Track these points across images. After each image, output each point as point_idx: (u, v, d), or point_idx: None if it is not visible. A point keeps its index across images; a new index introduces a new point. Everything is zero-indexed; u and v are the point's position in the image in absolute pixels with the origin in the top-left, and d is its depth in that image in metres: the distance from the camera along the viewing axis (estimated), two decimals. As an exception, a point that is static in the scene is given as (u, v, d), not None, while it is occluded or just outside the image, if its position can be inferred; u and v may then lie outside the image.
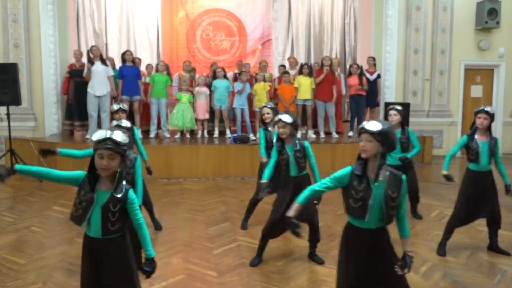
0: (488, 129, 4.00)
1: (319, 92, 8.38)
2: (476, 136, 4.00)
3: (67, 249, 4.23)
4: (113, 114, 4.51)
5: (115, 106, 4.55)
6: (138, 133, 8.27)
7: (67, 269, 3.76)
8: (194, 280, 3.60)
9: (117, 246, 2.38)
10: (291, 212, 2.50)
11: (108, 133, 2.26)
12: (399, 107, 4.94)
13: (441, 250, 4.17)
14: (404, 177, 2.45)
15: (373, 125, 2.36)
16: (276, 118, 3.79)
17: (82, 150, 3.69)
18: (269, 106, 4.69)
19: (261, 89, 8.22)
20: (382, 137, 2.33)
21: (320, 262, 3.92)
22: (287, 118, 3.67)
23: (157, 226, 4.75)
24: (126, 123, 3.74)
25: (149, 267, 2.45)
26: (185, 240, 4.52)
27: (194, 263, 3.93)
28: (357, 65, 8.71)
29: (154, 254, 2.48)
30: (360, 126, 2.42)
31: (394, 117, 4.88)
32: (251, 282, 3.56)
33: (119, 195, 2.31)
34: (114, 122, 3.71)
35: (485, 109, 3.96)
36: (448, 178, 3.95)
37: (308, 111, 8.42)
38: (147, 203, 4.45)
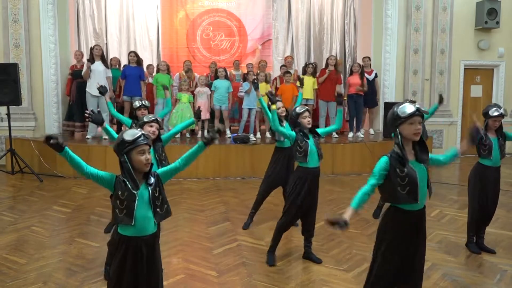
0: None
1: (322, 92, 8.39)
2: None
3: (67, 249, 4.23)
4: (135, 111, 4.56)
5: (137, 103, 4.59)
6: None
7: (67, 269, 3.77)
8: (194, 280, 3.61)
9: (158, 239, 2.54)
10: (347, 215, 2.42)
11: (139, 130, 2.42)
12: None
13: (473, 247, 4.22)
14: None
15: (423, 108, 2.50)
16: (303, 108, 3.94)
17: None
18: (280, 100, 4.92)
19: (263, 90, 8.21)
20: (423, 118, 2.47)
21: (318, 261, 3.92)
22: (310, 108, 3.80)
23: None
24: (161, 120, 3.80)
25: (217, 129, 2.58)
26: (185, 240, 4.52)
27: (194, 263, 3.93)
28: (359, 64, 8.72)
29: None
30: (413, 109, 2.42)
31: None
32: (251, 282, 3.57)
33: (153, 182, 2.42)
34: (145, 119, 3.68)
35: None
36: None
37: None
38: None
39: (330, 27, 11.58)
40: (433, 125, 9.22)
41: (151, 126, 3.59)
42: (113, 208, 2.39)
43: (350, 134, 8.66)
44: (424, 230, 2.60)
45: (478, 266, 3.91)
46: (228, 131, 8.36)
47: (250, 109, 8.16)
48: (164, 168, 2.54)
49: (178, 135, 8.27)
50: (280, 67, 9.52)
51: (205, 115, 8.26)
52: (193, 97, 8.22)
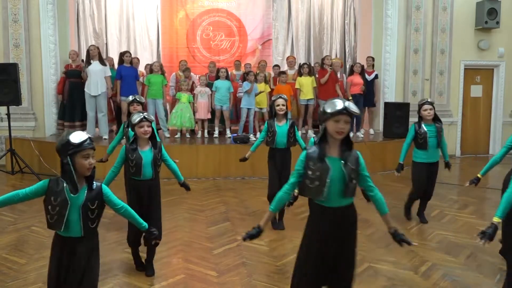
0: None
1: (323, 92, 8.38)
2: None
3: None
4: (128, 106, 4.54)
5: (130, 97, 4.56)
6: (166, 134, 8.29)
7: (67, 269, 3.76)
8: (194, 280, 3.60)
9: (94, 244, 2.47)
10: (262, 221, 2.48)
11: (86, 134, 2.38)
12: (432, 101, 4.83)
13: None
14: (358, 152, 2.45)
15: (354, 107, 2.35)
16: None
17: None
18: (284, 97, 4.66)
19: (262, 90, 8.22)
20: (353, 118, 2.36)
21: None
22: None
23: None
24: (149, 116, 3.51)
25: (154, 235, 2.67)
26: (185, 240, 4.52)
27: (194, 263, 3.93)
28: (360, 64, 8.72)
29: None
30: (341, 107, 2.30)
31: (431, 111, 4.73)
32: (251, 282, 3.57)
33: (95, 192, 2.39)
34: (132, 120, 3.47)
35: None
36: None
37: (310, 110, 8.42)
38: None
39: (330, 27, 11.58)
40: (433, 125, 9.22)
41: (141, 126, 3.44)
42: (45, 212, 2.38)
43: (350, 134, 8.64)
44: (349, 231, 2.46)
45: (478, 266, 3.90)
46: (228, 131, 8.36)
47: (248, 109, 8.17)
48: (112, 195, 2.49)
49: (178, 135, 8.27)
50: (273, 67, 9.49)
51: (205, 115, 8.27)
52: (193, 97, 8.21)
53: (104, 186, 2.45)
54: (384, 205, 2.49)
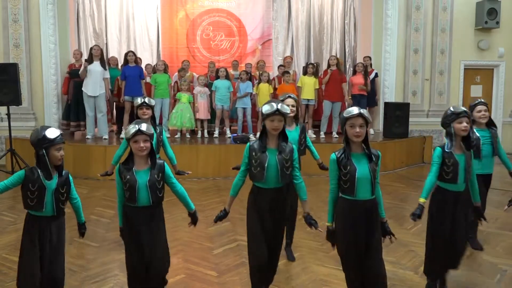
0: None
1: (327, 92, 8.39)
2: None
3: (67, 249, 4.20)
4: (137, 109, 4.15)
5: (139, 100, 4.13)
6: (166, 134, 8.03)
7: (67, 269, 3.73)
8: (194, 280, 3.61)
9: (62, 222, 2.89)
10: (227, 205, 3.33)
11: (59, 130, 2.80)
12: (486, 102, 4.07)
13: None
14: (294, 146, 2.98)
15: (286, 108, 2.83)
16: (353, 111, 2.66)
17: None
18: (293, 97, 3.81)
19: (266, 90, 8.19)
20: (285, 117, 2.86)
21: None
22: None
23: None
24: (148, 128, 2.82)
25: (83, 229, 3.14)
26: (185, 240, 4.52)
27: (194, 263, 3.94)
28: (362, 64, 8.73)
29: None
30: (274, 109, 2.78)
31: (486, 113, 3.96)
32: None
33: (63, 178, 2.81)
34: (124, 135, 2.98)
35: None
36: None
37: (310, 111, 8.43)
38: None
39: (330, 27, 11.58)
40: (433, 125, 9.22)
41: (136, 141, 2.79)
42: (23, 197, 2.74)
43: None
44: (281, 208, 3.04)
45: (478, 266, 3.90)
46: (228, 131, 8.36)
47: (244, 109, 8.18)
48: (73, 186, 2.91)
49: (178, 135, 8.27)
50: (278, 67, 9.51)
51: (205, 115, 8.28)
52: (193, 97, 8.22)
53: (70, 175, 2.89)
54: (305, 193, 3.01)
